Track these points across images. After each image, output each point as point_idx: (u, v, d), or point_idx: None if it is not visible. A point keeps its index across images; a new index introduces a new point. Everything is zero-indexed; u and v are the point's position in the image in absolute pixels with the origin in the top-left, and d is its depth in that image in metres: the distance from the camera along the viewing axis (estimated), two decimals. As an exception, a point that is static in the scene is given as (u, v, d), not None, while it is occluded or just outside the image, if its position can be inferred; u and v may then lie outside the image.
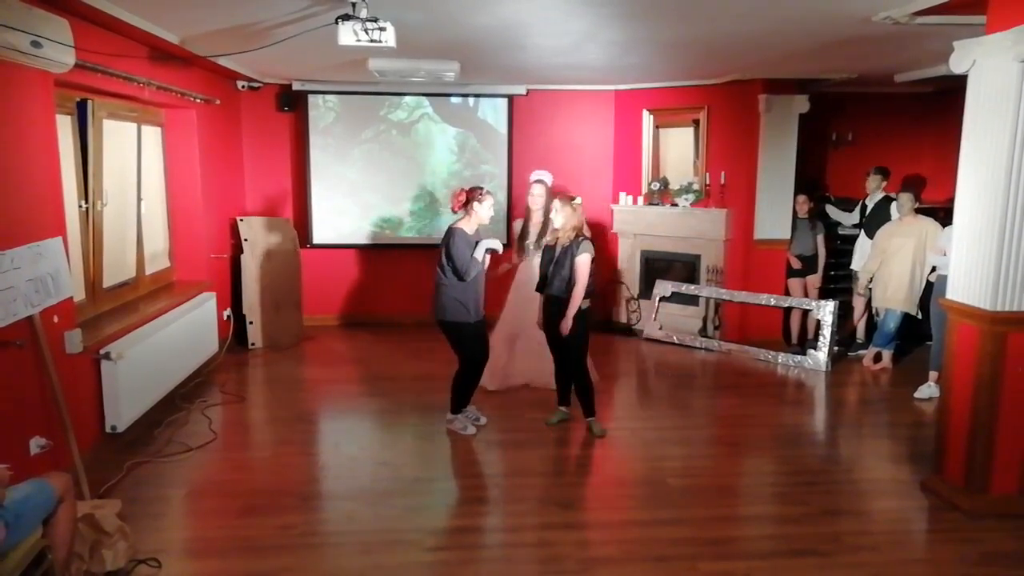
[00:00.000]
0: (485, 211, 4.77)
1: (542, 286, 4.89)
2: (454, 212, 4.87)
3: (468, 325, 4.74)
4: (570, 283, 4.67)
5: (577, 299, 4.65)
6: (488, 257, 4.77)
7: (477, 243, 4.70)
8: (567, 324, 4.67)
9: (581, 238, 4.73)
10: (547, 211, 5.36)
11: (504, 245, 5.27)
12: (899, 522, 3.86)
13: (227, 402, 5.57)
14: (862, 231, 7.01)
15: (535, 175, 5.85)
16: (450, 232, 4.71)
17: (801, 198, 7.01)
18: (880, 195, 6.93)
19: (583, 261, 4.65)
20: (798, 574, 3.31)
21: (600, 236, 7.79)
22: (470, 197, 4.76)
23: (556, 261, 4.76)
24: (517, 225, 5.95)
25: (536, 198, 5.70)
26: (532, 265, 5.49)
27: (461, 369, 4.88)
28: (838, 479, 4.35)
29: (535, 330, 5.20)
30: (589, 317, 4.83)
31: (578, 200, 4.79)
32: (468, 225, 4.76)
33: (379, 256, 8.03)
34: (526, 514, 3.94)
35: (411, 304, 7.73)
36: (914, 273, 6.17)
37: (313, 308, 7.92)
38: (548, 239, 5.01)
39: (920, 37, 4.77)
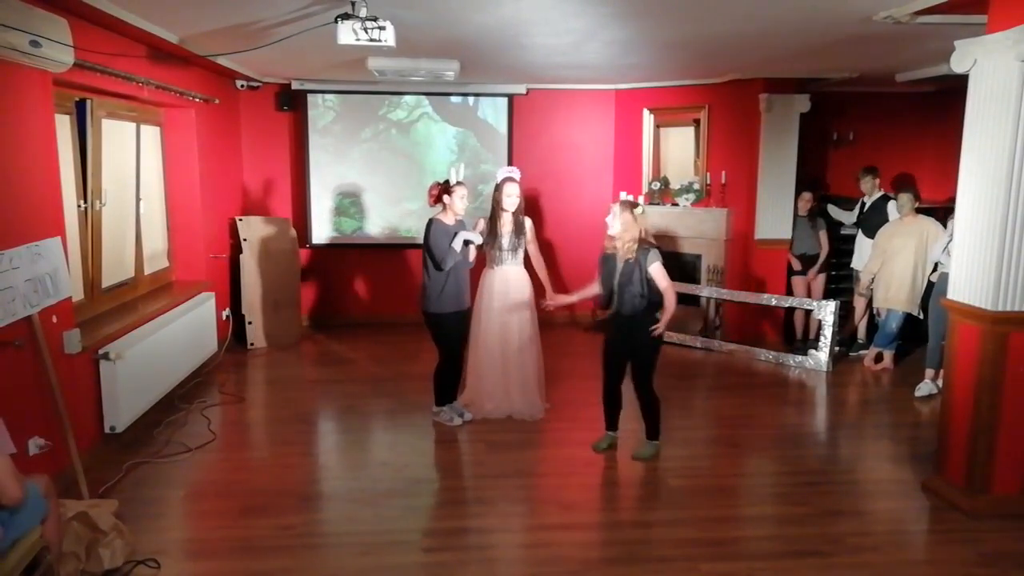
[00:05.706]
0: (458, 203, 4.86)
1: (608, 303, 4.49)
2: (431, 206, 4.99)
3: (449, 316, 4.86)
4: (644, 299, 4.32)
5: (672, 305, 4.35)
6: (472, 249, 4.91)
7: (456, 234, 4.82)
8: (661, 328, 4.34)
9: (646, 247, 4.34)
10: (518, 211, 5.06)
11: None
12: (900, 523, 3.85)
13: (226, 402, 5.55)
14: (860, 230, 6.99)
15: (506, 172, 5.12)
16: (428, 223, 4.87)
17: (806, 195, 6.95)
18: (878, 194, 6.91)
19: (658, 271, 4.29)
20: (800, 575, 3.30)
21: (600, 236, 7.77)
22: (442, 191, 4.88)
23: (622, 276, 4.35)
24: (479, 227, 5.12)
25: (513, 198, 5.00)
26: (507, 274, 5.09)
27: (441, 362, 4.98)
28: (839, 479, 4.34)
29: (522, 356, 5.05)
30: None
31: (640, 209, 4.40)
32: (446, 216, 4.88)
33: (378, 256, 8.02)
34: (526, 515, 3.94)
35: (410, 304, 7.64)
36: (915, 273, 6.15)
37: (312, 308, 7.92)
38: (607, 247, 4.50)
39: (921, 36, 4.76)
